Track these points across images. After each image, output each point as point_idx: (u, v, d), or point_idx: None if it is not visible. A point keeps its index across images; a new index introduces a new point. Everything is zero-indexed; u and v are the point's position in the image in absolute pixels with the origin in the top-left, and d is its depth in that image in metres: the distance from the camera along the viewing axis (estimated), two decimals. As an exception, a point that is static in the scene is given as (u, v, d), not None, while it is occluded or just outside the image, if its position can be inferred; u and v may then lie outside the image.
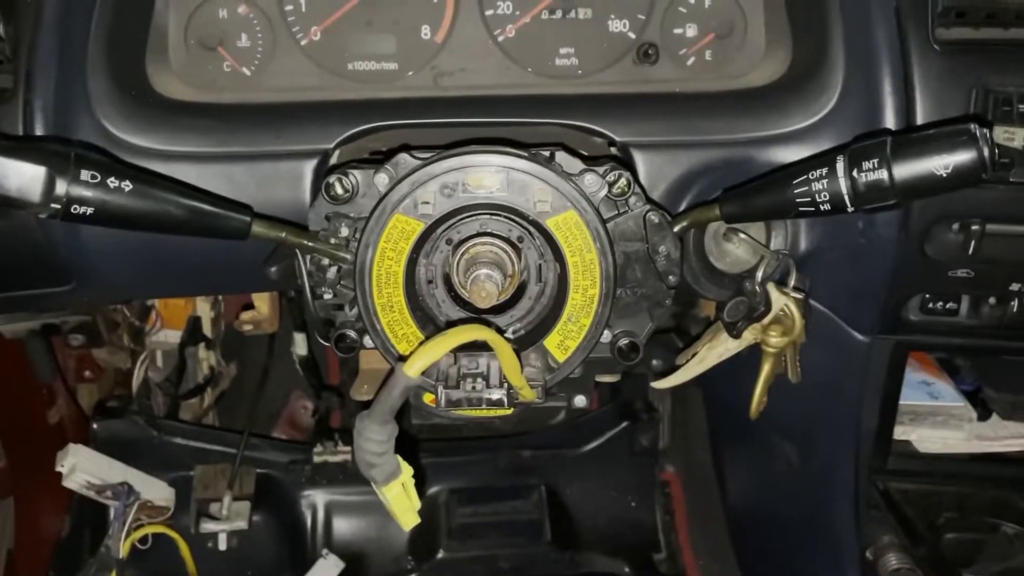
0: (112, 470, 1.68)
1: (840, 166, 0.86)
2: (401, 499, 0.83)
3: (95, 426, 1.79)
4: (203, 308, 1.95)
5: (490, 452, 2.06)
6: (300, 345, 1.92)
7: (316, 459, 1.86)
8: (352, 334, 0.98)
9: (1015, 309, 1.19)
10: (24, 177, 0.80)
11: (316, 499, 1.92)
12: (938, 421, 1.47)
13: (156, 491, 1.75)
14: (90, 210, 0.83)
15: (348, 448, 1.87)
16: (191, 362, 2.00)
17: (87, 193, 0.83)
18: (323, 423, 1.95)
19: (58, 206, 0.82)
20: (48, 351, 1.74)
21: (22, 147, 0.82)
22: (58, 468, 1.61)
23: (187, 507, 1.82)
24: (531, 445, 2.07)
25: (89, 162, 0.84)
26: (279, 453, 1.92)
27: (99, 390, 1.94)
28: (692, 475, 2.10)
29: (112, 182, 0.84)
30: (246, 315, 1.50)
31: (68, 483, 1.62)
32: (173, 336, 1.92)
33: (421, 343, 0.86)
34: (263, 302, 1.47)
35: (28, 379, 1.74)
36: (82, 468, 1.63)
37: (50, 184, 0.81)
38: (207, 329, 1.98)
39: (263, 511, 1.85)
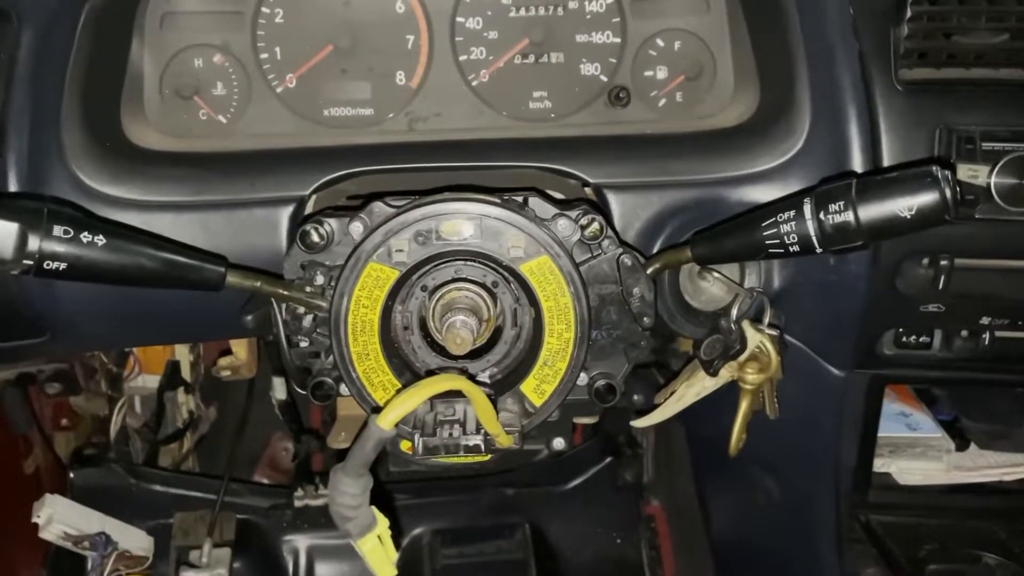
0: (90, 520, 1.65)
1: (807, 208, 0.88)
2: (377, 551, 0.83)
3: (72, 475, 1.77)
4: (182, 352, 1.94)
5: (473, 491, 2.05)
6: (279, 389, 1.91)
7: (297, 503, 1.84)
8: (329, 382, 0.98)
9: (987, 342, 1.20)
10: (-5, 234, 0.80)
11: (298, 544, 1.89)
12: (917, 452, 1.48)
13: (134, 540, 1.72)
14: (63, 265, 0.83)
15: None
16: (170, 407, 1.98)
17: (60, 248, 0.83)
18: (303, 467, 1.94)
19: (30, 262, 0.82)
20: (24, 400, 1.72)
21: None
22: (34, 519, 1.59)
23: (166, 555, 1.79)
24: (514, 483, 2.05)
25: (62, 217, 0.84)
26: (259, 498, 1.90)
27: (76, 438, 1.91)
28: (677, 509, 2.09)
29: (85, 237, 0.84)
30: (224, 361, 1.49)
31: (45, 534, 1.59)
32: (151, 381, 1.91)
33: (395, 394, 0.86)
34: (241, 347, 1.46)
35: (3, 429, 1.72)
36: (59, 518, 1.60)
37: (22, 240, 0.81)
38: (186, 373, 1.96)
39: (244, 557, 1.83)
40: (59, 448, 1.87)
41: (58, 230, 0.83)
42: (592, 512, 2.08)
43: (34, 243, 0.81)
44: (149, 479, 1.84)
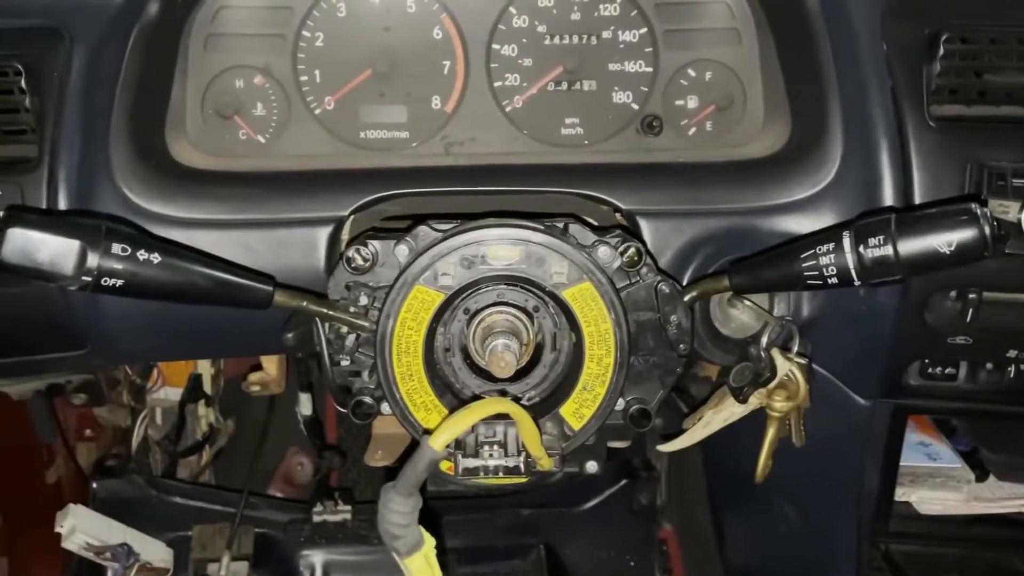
0: (111, 531, 1.67)
1: (847, 242, 0.89)
2: (424, 571, 0.84)
3: (94, 485, 1.78)
4: (204, 366, 1.96)
5: (488, 511, 2.06)
6: (305, 405, 1.93)
7: (315, 518, 1.85)
8: (369, 401, 0.99)
9: (1012, 375, 1.21)
10: (57, 251, 0.83)
11: (315, 559, 1.90)
12: (937, 483, 1.49)
13: (155, 552, 1.74)
14: (120, 282, 0.85)
15: (348, 507, 1.87)
16: (190, 419, 2.00)
17: (117, 266, 0.85)
18: (323, 482, 1.95)
19: (89, 279, 0.84)
20: (49, 410, 1.74)
21: (55, 221, 0.85)
22: (57, 529, 1.60)
23: (185, 568, 1.80)
24: (530, 503, 2.06)
25: (119, 235, 0.86)
26: (278, 512, 1.91)
27: (98, 448, 1.93)
28: (690, 534, 2.10)
29: (141, 254, 0.86)
30: (254, 376, 1.51)
31: (67, 544, 1.61)
32: (173, 394, 1.93)
33: (445, 417, 0.88)
34: (271, 364, 1.48)
35: (28, 438, 1.74)
36: (81, 529, 1.61)
37: (82, 257, 0.83)
38: (207, 387, 1.98)
39: (262, 571, 1.83)
40: (81, 458, 1.89)
41: (116, 248, 0.85)
42: (606, 534, 2.09)
43: (93, 260, 0.84)
44: (169, 491, 1.85)
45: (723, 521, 1.90)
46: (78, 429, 1.87)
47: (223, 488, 1.99)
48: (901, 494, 1.45)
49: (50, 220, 0.84)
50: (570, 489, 2.10)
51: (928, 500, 1.47)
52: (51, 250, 0.83)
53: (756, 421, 1.17)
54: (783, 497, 1.51)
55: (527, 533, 2.04)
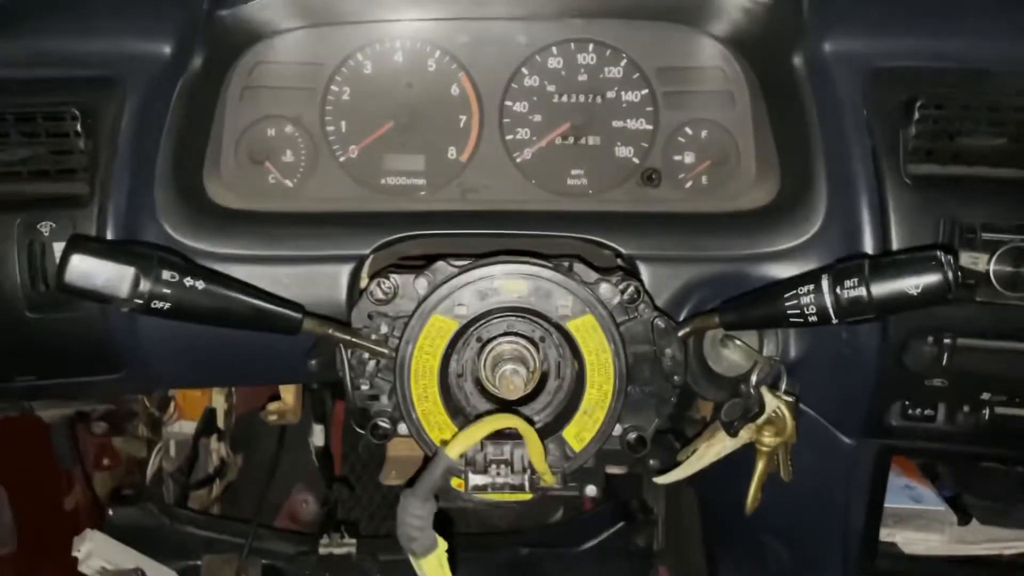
0: (126, 557, 1.72)
1: (825, 284, 0.98)
2: (436, 571, 0.92)
3: (111, 513, 1.84)
4: (218, 400, 2.02)
5: (487, 549, 2.09)
6: (318, 436, 1.99)
7: (322, 550, 1.90)
8: (385, 423, 1.07)
9: (987, 417, 1.27)
10: (113, 276, 0.92)
11: (320, 591, 1.94)
12: (921, 524, 1.53)
13: (165, 579, 1.79)
14: (167, 305, 0.94)
15: (352, 541, 1.91)
16: (203, 453, 2.06)
17: (166, 291, 0.94)
18: (330, 514, 2.00)
19: (140, 301, 0.93)
20: (71, 438, 1.80)
21: (112, 249, 0.94)
22: (75, 553, 1.66)
23: (194, 596, 1.85)
24: (528, 542, 2.10)
25: (169, 263, 0.96)
26: (285, 544, 1.95)
27: (113, 477, 1.99)
28: (686, 576, 2.13)
29: (187, 281, 0.95)
30: (273, 406, 1.58)
31: (83, 568, 1.66)
32: (188, 427, 1.98)
33: (460, 430, 0.96)
34: (289, 394, 1.56)
35: (48, 464, 1.80)
36: (98, 554, 1.67)
37: (136, 282, 0.92)
38: (220, 421, 2.05)
39: (268, 602, 1.88)
40: (97, 486, 1.94)
41: (166, 275, 0.94)
42: (604, 575, 2.12)
43: (145, 285, 0.93)
44: (181, 520, 1.90)
45: (718, 562, 1.94)
46: (96, 457, 1.94)
47: (233, 519, 2.04)
48: (886, 534, 1.49)
49: (108, 248, 0.94)
50: (568, 529, 2.14)
51: (913, 540, 1.52)
52: (108, 275, 0.92)
53: (749, 465, 1.21)
54: (772, 534, 1.55)
55: (526, 572, 2.07)
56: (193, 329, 1.03)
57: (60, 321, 1.16)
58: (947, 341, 1.20)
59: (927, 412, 1.29)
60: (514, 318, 1.06)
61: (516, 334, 1.05)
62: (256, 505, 1.96)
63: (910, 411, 1.29)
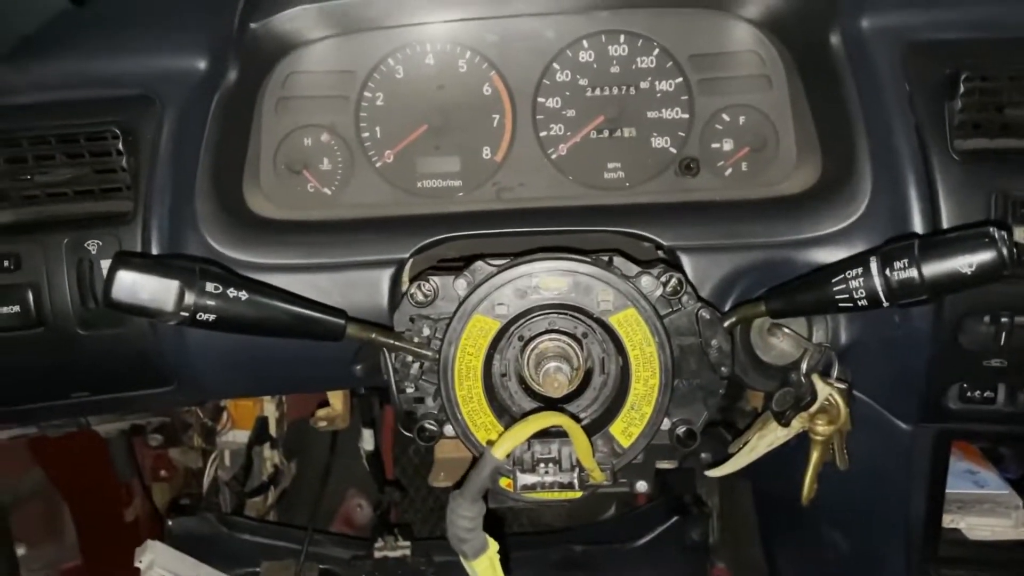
0: (185, 566, 1.75)
1: (874, 266, 0.96)
2: (488, 573, 0.91)
3: (170, 523, 1.87)
4: (269, 409, 2.05)
5: (541, 547, 2.09)
6: (368, 441, 2.01)
7: (377, 554, 1.91)
8: (432, 425, 1.07)
9: (1050, 396, 1.24)
10: (159, 290, 0.93)
11: (376, 595, 1.96)
12: (985, 509, 1.50)
13: (226, 587, 1.82)
14: (212, 316, 0.96)
15: (407, 543, 1.93)
16: (256, 461, 2.09)
17: (210, 302, 0.95)
18: (384, 518, 2.01)
19: (186, 314, 0.95)
20: (128, 451, 1.84)
21: (156, 264, 0.96)
22: (136, 563, 1.69)
23: (253, 603, 1.87)
24: (582, 540, 2.09)
25: (212, 275, 0.97)
26: (340, 549, 1.97)
27: (171, 488, 2.03)
28: (743, 570, 2.10)
29: (231, 292, 0.96)
30: (321, 412, 1.60)
31: (145, 578, 1.70)
32: (241, 436, 2.02)
33: (505, 430, 0.95)
34: (337, 400, 1.57)
35: (108, 477, 1.84)
36: (160, 563, 1.70)
37: (181, 296, 0.94)
38: (272, 429, 2.07)
39: (327, 606, 1.90)
40: (156, 498, 1.99)
41: (209, 287, 0.95)
42: (659, 571, 2.09)
43: (190, 298, 0.94)
44: (239, 529, 1.93)
45: (775, 554, 1.92)
46: (154, 469, 1.98)
47: (289, 525, 2.07)
48: (950, 521, 1.46)
49: (152, 263, 0.95)
50: (622, 526, 2.13)
51: (977, 526, 1.49)
52: (153, 290, 0.93)
53: (804, 452, 1.20)
54: (831, 524, 1.53)
55: (580, 569, 2.06)
56: (240, 340, 1.04)
57: (110, 337, 1.18)
58: (1004, 320, 1.18)
59: (987, 394, 1.26)
60: (555, 315, 1.05)
61: (558, 331, 1.04)
62: (311, 511, 1.98)
63: (968, 394, 1.26)
